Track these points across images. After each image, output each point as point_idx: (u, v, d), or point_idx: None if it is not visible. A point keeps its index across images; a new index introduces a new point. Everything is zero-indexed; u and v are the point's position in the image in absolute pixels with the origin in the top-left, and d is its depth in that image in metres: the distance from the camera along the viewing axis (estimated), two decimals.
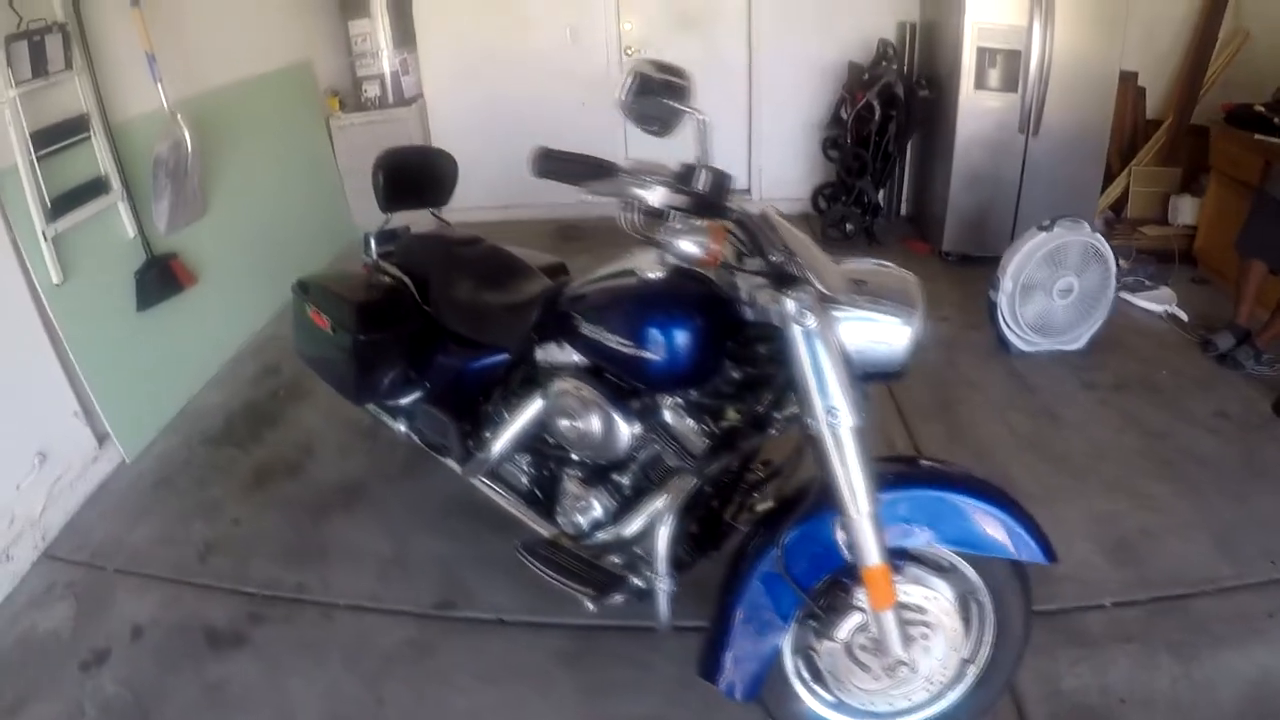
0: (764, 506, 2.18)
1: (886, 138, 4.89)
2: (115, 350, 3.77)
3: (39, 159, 3.27)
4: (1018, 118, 4.56)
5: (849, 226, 5.17)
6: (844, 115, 5.12)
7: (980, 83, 4.57)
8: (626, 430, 1.99)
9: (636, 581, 2.09)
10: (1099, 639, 2.46)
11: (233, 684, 2.61)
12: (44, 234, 3.30)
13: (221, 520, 3.35)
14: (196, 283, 4.29)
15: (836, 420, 1.57)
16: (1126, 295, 4.47)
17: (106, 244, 3.77)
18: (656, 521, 1.96)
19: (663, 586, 1.99)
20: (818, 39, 5.42)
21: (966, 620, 1.86)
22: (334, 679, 2.56)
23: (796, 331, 1.58)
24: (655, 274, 1.89)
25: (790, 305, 1.58)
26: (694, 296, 1.85)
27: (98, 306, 3.68)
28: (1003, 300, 3.89)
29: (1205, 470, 3.19)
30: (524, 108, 5.95)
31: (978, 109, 4.63)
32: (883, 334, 1.65)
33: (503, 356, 2.48)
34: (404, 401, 2.87)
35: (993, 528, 1.72)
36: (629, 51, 5.88)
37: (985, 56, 4.51)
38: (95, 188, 3.65)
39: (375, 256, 2.98)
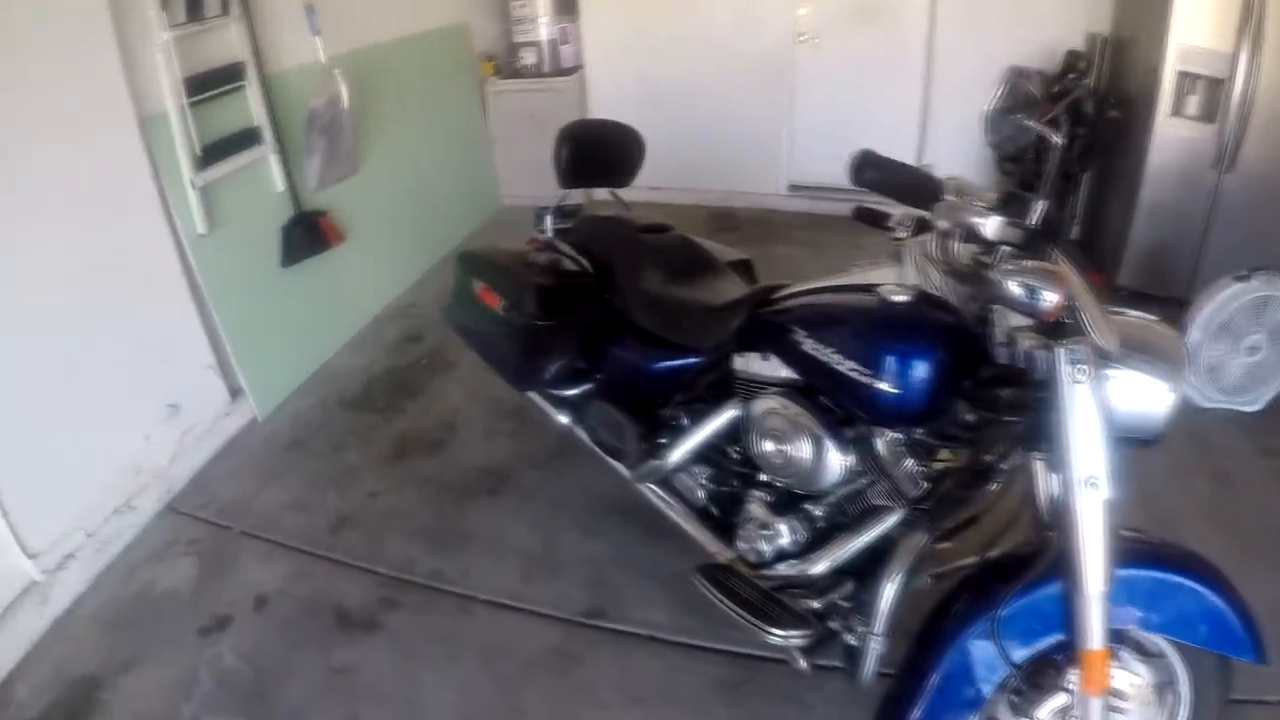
0: (969, 561, 1.87)
1: (1071, 156, 4.43)
2: (255, 304, 3.71)
3: (190, 106, 3.19)
4: (1213, 151, 3.97)
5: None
6: None
7: (1177, 109, 4.02)
8: (839, 461, 1.84)
9: (832, 626, 1.92)
10: None
11: (361, 670, 2.45)
12: (191, 183, 3.24)
13: (357, 491, 3.23)
14: (344, 241, 4.19)
15: (1095, 490, 1.40)
16: None
17: (255, 197, 3.70)
18: (883, 578, 1.79)
19: (875, 645, 1.80)
20: (1003, 43, 4.93)
21: (1161, 707, 1.71)
22: (469, 679, 2.39)
23: (1067, 388, 1.39)
24: (901, 297, 1.70)
25: (1065, 358, 1.38)
26: (942, 328, 1.67)
27: (241, 259, 3.62)
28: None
29: None
30: (686, 89, 5.70)
31: (1171, 137, 4.08)
32: (1146, 396, 1.48)
33: (693, 359, 2.26)
34: (570, 393, 2.71)
35: (1210, 617, 1.55)
36: (801, 38, 5.49)
37: (1185, 82, 3.97)
38: (247, 139, 3.57)
39: (549, 232, 2.78)
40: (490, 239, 5.47)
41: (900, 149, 4.82)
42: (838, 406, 1.84)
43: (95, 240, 2.94)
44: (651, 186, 5.54)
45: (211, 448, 3.51)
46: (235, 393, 3.68)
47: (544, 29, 5.77)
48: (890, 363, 1.65)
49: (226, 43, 3.43)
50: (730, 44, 5.58)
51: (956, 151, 5.12)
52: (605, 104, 6.01)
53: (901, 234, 1.88)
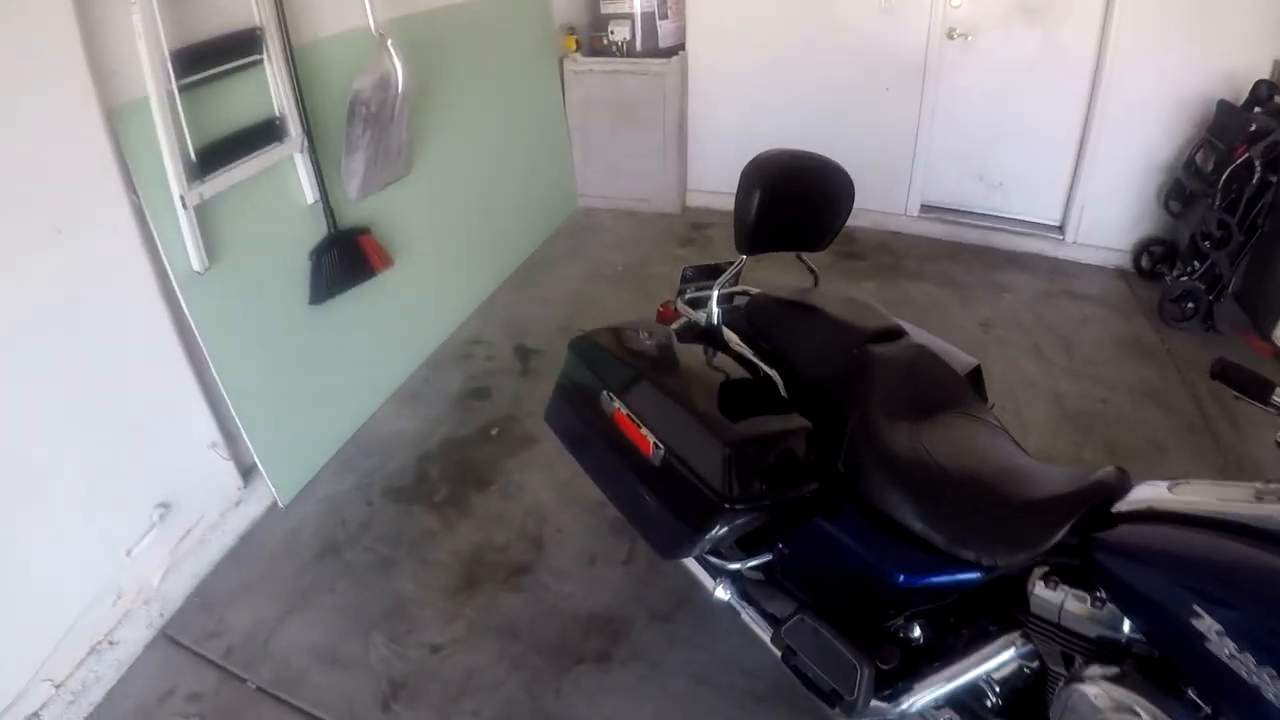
0: None
1: (1260, 207, 3.70)
2: (273, 357, 2.78)
3: (182, 90, 2.22)
4: None
5: (1190, 305, 3.91)
6: (1199, 162, 3.99)
7: None
8: None
9: None
10: None
11: None
12: (182, 200, 2.28)
13: (413, 640, 2.37)
14: (392, 265, 3.19)
15: None
16: None
17: (274, 214, 2.74)
18: None
19: None
20: (1183, 63, 4.11)
21: None
22: None
23: None
24: None
25: None
26: None
27: (254, 301, 2.68)
28: None
29: None
30: (810, 81, 4.83)
31: None
32: None
33: (965, 575, 1.53)
34: (737, 566, 1.95)
35: None
36: (952, 34, 4.51)
37: None
38: (263, 134, 2.60)
39: (714, 317, 2.08)
40: (567, 248, 4.57)
41: (1052, 172, 4.57)
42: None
43: (35, 287, 2.01)
44: None
45: (219, 548, 2.65)
46: (248, 471, 2.79)
47: None
48: None
49: (237, 1, 2.40)
50: (865, 33, 4.63)
51: (1119, 184, 4.41)
52: (707, 92, 5.07)
53: None
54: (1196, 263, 3.93)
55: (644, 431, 1.77)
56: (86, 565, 2.24)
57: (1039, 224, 4.75)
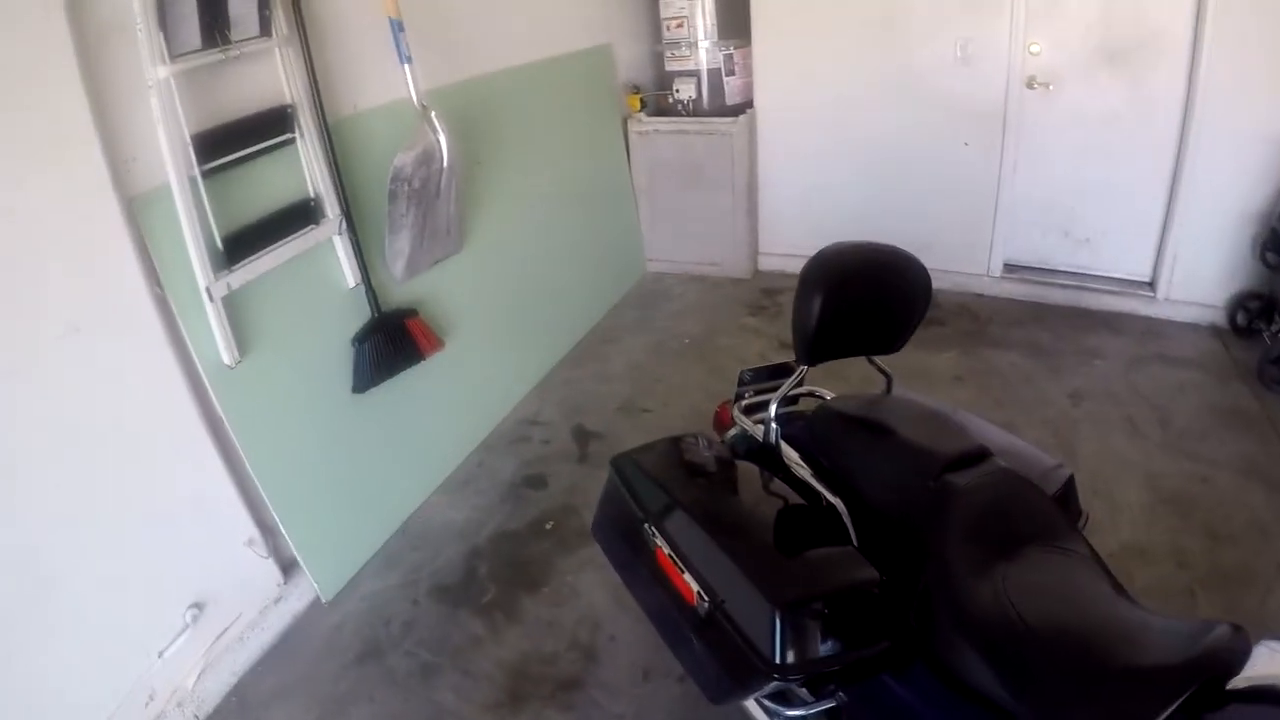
0: None
1: None
2: (313, 450, 2.61)
3: (205, 176, 2.08)
4: None
5: None
6: None
7: None
8: None
9: None
10: None
11: None
12: (209, 292, 2.13)
13: None
14: (443, 348, 3.01)
15: None
16: None
17: (311, 299, 2.58)
18: None
19: None
20: (1276, 106, 3.76)
21: None
22: None
23: None
24: None
25: None
26: None
27: (291, 391, 2.52)
28: None
29: None
30: (885, 137, 4.53)
31: None
32: None
33: None
34: (795, 714, 1.63)
35: None
36: (1032, 84, 4.20)
37: None
38: (298, 216, 2.46)
39: (773, 427, 1.82)
40: (634, 317, 4.36)
41: (1141, 225, 4.27)
42: None
43: (52, 386, 1.90)
44: None
45: (259, 645, 2.49)
46: (289, 566, 2.63)
47: (705, 55, 4.51)
48: None
49: (265, 77, 2.31)
50: (941, 84, 4.33)
51: (1212, 234, 4.06)
52: (776, 152, 4.82)
53: None
54: None
55: (686, 578, 1.53)
56: (116, 668, 2.11)
57: (1128, 280, 4.38)
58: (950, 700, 1.35)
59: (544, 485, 3.14)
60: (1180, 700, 1.12)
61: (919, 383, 3.06)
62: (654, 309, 4.58)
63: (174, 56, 1.97)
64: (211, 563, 2.36)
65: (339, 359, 2.68)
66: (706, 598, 1.47)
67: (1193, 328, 4.15)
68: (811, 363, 1.73)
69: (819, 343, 1.69)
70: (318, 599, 2.64)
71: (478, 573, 2.74)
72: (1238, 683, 1.13)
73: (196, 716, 2.27)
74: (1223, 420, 3.36)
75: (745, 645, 1.40)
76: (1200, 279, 4.17)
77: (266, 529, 2.52)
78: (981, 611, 1.32)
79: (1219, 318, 4.17)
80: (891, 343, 1.81)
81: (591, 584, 2.65)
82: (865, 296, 1.73)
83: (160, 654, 2.20)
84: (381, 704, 2.29)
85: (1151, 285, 4.33)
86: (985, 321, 4.29)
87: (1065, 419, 3.38)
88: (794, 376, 1.81)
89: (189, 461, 2.27)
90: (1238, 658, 1.15)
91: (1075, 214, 4.36)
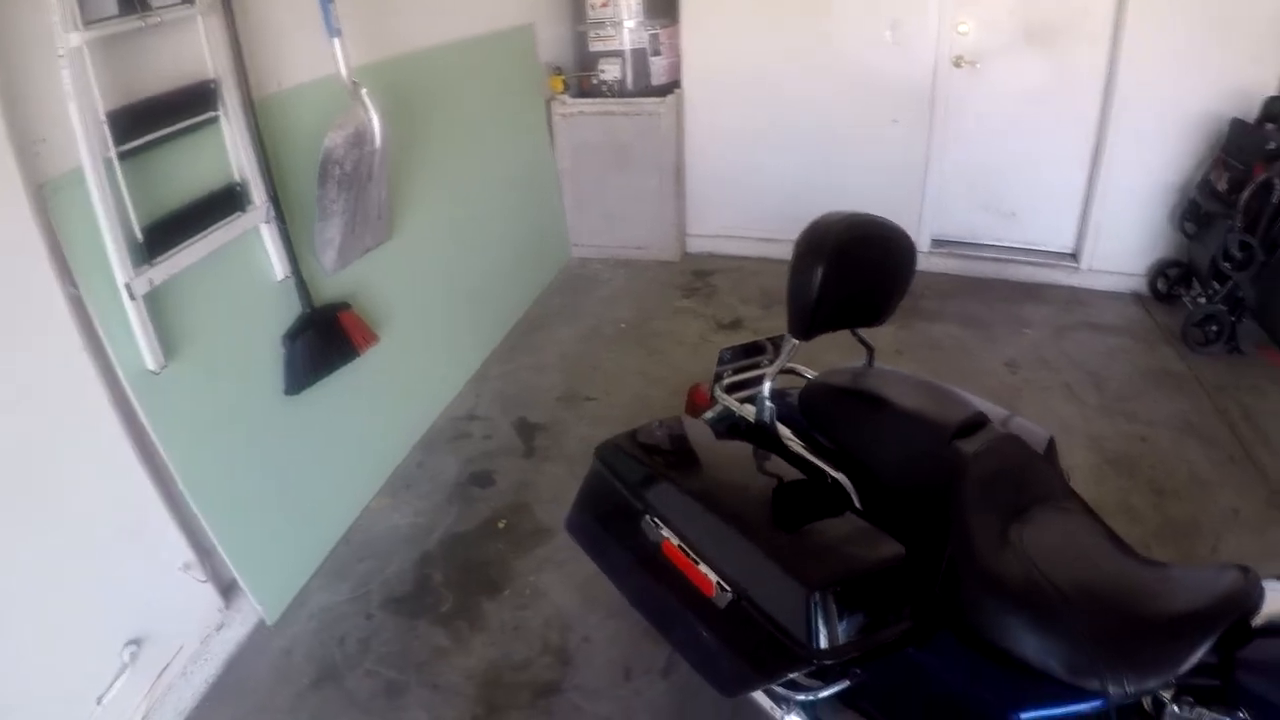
0: None
1: (1278, 227, 3.57)
2: (247, 459, 2.39)
3: (122, 158, 1.86)
4: None
5: (1213, 328, 3.80)
6: (1213, 182, 3.90)
7: None
8: None
9: None
10: None
11: None
12: (128, 289, 1.91)
13: None
14: (377, 342, 2.82)
15: None
16: None
17: (238, 295, 2.37)
18: None
19: None
20: (1193, 83, 3.98)
21: None
22: None
23: None
24: None
25: None
26: None
27: (221, 398, 2.30)
28: None
29: None
30: (814, 116, 4.58)
31: None
32: None
33: (1089, 704, 1.28)
34: (807, 698, 1.60)
35: None
36: (959, 62, 4.28)
37: None
38: (223, 203, 2.24)
39: (767, 407, 1.79)
40: (562, 305, 4.24)
41: (1064, 199, 4.45)
42: None
43: None
44: (763, 238, 4.63)
45: (204, 679, 2.28)
46: (229, 590, 2.41)
47: (630, 35, 4.40)
48: None
49: (187, 50, 2.09)
50: (872, 67, 4.40)
51: (1133, 206, 4.28)
52: (703, 133, 4.77)
53: None
54: (1217, 284, 3.79)
55: (703, 568, 1.47)
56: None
57: (1053, 253, 4.57)
58: (979, 666, 1.37)
59: (491, 483, 2.99)
60: (1211, 642, 1.21)
61: (860, 358, 3.07)
62: (583, 295, 4.47)
63: (88, 23, 1.74)
64: (147, 594, 2.13)
65: (269, 359, 2.48)
66: (729, 588, 1.43)
67: (1116, 296, 4.34)
68: (807, 337, 1.68)
69: (816, 316, 1.64)
70: (262, 622, 2.44)
71: (432, 580, 2.59)
72: (1261, 620, 1.23)
73: None
74: (1154, 382, 3.54)
75: (777, 631, 1.37)
76: (1122, 249, 4.36)
77: (203, 550, 2.29)
78: (1009, 574, 1.36)
79: (1141, 285, 4.37)
80: (878, 314, 1.80)
81: (555, 583, 2.54)
82: (860, 268, 1.69)
83: (99, 700, 1.97)
84: None
85: (1075, 256, 4.51)
86: (918, 296, 4.35)
87: (1006, 387, 3.49)
88: (786, 351, 1.77)
89: (113, 483, 2.03)
90: (1256, 598, 1.24)
91: (1001, 189, 4.49)
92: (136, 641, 2.08)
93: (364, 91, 2.53)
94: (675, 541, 1.52)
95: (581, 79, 4.60)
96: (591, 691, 2.20)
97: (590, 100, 4.54)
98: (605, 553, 1.77)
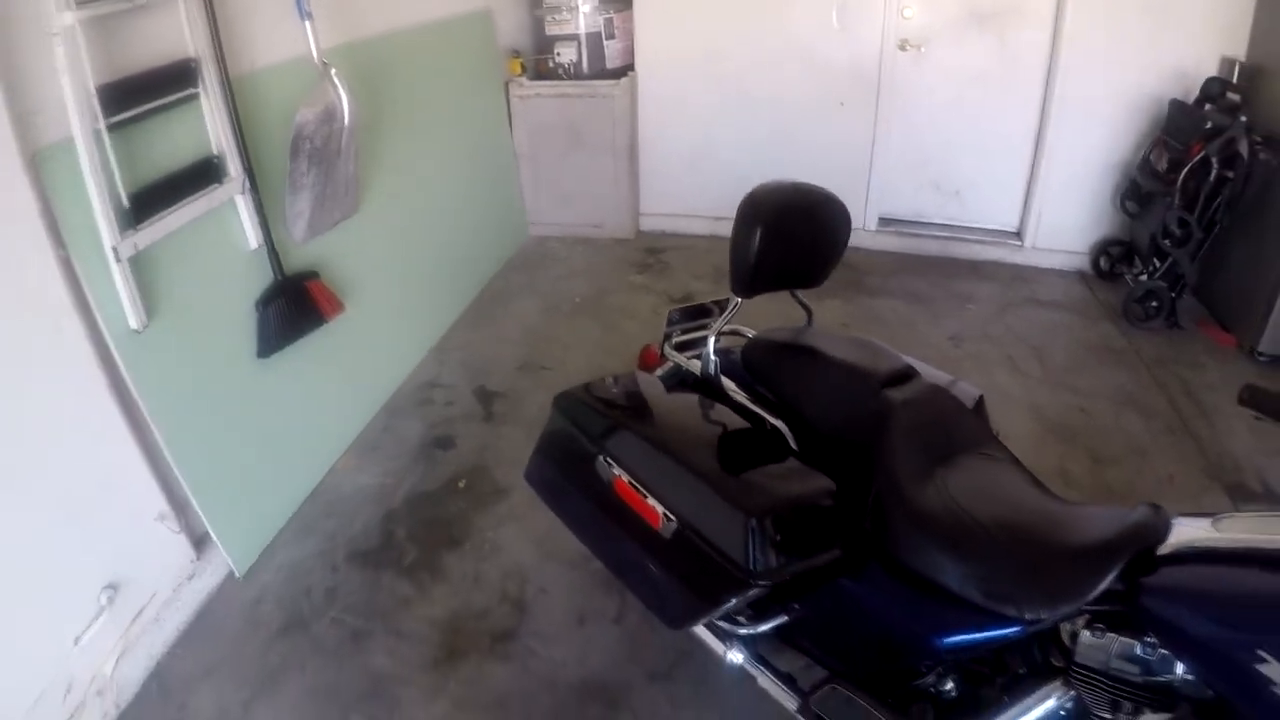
0: None
1: (1217, 204, 3.72)
2: (221, 417, 2.53)
3: (110, 130, 1.99)
4: None
5: (1153, 304, 3.97)
6: (1153, 162, 4.04)
7: None
8: None
9: None
10: None
11: None
12: (115, 251, 2.05)
13: None
14: (344, 310, 2.97)
15: None
16: None
17: (215, 262, 2.51)
18: None
19: None
20: (1134, 64, 4.16)
21: None
22: None
23: None
24: None
25: None
26: None
27: (198, 357, 2.44)
28: None
29: None
30: (763, 99, 4.74)
31: None
32: None
33: (1004, 630, 1.42)
34: (747, 631, 1.77)
35: None
36: (905, 46, 4.48)
37: None
38: (202, 174, 2.38)
39: (712, 363, 1.92)
40: (521, 280, 4.40)
41: (1008, 178, 4.60)
42: None
43: None
44: (718, 217, 4.57)
45: (175, 627, 2.39)
46: (201, 542, 2.54)
47: (585, 19, 4.57)
48: None
49: (169, 30, 2.22)
50: (820, 51, 4.57)
51: (1075, 187, 4.45)
52: (657, 115, 4.93)
53: None
54: (1157, 261, 3.95)
55: (650, 501, 1.62)
56: (31, 659, 2.00)
57: (997, 231, 4.75)
58: (905, 595, 1.49)
59: (453, 445, 3.15)
60: (1119, 569, 1.29)
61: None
62: (541, 271, 4.62)
63: (80, 3, 1.88)
64: (124, 541, 2.26)
65: (243, 323, 2.62)
66: (674, 518, 1.57)
67: (1059, 273, 4.54)
68: (748, 295, 1.82)
69: (756, 276, 1.78)
70: (232, 574, 2.57)
71: (396, 535, 2.74)
72: (1166, 549, 1.30)
73: (117, 705, 2.16)
74: (1095, 356, 3.72)
75: (715, 555, 1.50)
76: (1064, 227, 4.56)
77: (177, 503, 2.42)
78: (932, 508, 1.47)
79: (1083, 263, 4.57)
80: (816, 277, 1.93)
81: (513, 537, 2.70)
82: (797, 231, 1.83)
83: (77, 640, 2.09)
84: (314, 674, 2.26)
85: (1019, 235, 4.71)
86: (864, 273, 4.56)
87: (948, 359, 3.61)
88: (729, 309, 1.89)
89: (96, 434, 2.16)
90: (1162, 530, 1.32)
91: (945, 169, 4.67)
92: (113, 586, 2.20)
93: (333, 71, 2.66)
94: (626, 479, 1.67)
95: (539, 62, 4.75)
96: (547, 637, 2.36)
97: (547, 83, 4.69)
98: (561, 498, 1.91)
